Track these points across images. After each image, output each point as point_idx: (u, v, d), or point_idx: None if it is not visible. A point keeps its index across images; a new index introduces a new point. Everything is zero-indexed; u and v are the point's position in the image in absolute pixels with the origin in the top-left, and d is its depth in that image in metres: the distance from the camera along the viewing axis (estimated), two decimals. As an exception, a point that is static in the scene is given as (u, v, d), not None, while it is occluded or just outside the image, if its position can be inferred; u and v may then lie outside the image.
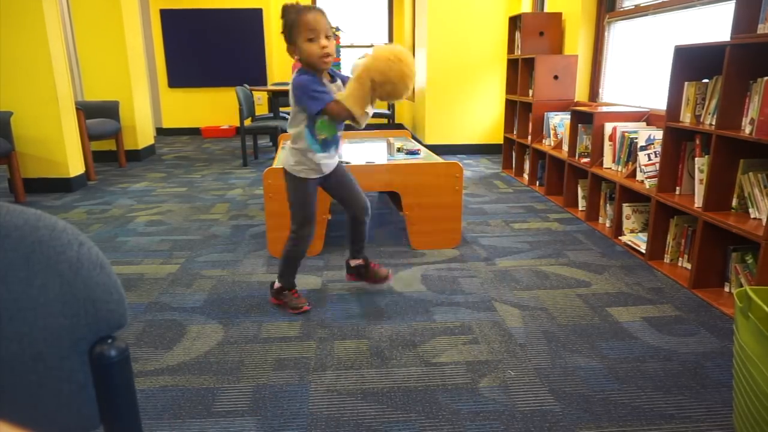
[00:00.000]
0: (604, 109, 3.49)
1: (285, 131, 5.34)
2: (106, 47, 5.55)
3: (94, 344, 0.65)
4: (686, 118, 2.51)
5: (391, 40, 8.32)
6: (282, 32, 1.90)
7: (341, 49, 5.98)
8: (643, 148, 2.85)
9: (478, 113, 5.99)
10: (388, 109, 6.73)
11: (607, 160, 3.27)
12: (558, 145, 4.04)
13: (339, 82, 2.00)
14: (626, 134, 3.10)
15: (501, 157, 5.33)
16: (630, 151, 3.07)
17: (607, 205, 3.27)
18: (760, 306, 1.22)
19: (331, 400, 1.60)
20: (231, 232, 3.23)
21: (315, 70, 1.92)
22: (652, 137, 2.82)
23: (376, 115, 6.93)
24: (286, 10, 1.84)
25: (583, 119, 3.53)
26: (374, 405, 1.57)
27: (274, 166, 2.76)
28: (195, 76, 7.87)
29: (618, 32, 4.02)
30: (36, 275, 0.60)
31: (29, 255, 0.60)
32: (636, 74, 3.72)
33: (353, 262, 2.35)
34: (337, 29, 5.82)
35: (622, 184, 2.94)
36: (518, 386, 1.66)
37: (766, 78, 2.03)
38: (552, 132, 4.17)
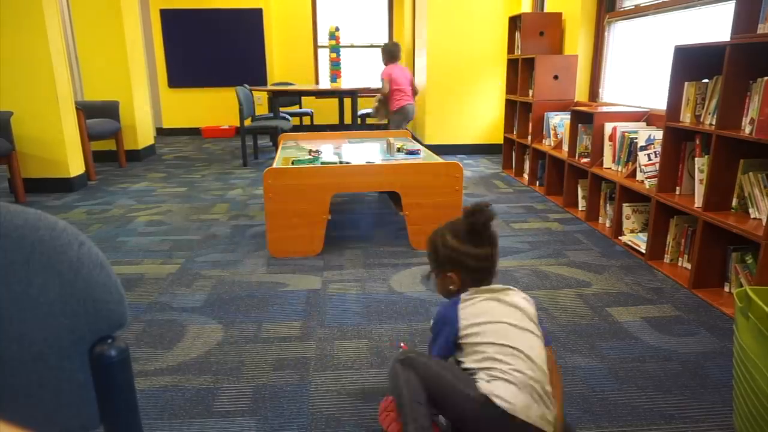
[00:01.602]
0: (604, 109, 3.49)
1: (285, 131, 5.34)
2: (106, 47, 5.55)
3: (94, 344, 0.65)
4: (686, 118, 2.51)
5: (391, 40, 8.32)
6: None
7: (341, 49, 5.97)
8: (643, 148, 2.85)
9: (478, 113, 5.99)
10: (388, 109, 6.72)
11: (607, 160, 3.27)
12: (558, 145, 4.04)
13: None
14: (626, 134, 3.10)
15: (501, 157, 5.33)
16: (630, 151, 3.07)
17: (607, 205, 3.27)
18: (760, 306, 1.22)
19: (331, 400, 1.60)
20: (231, 232, 3.23)
21: None
22: (652, 137, 2.82)
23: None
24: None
25: (583, 119, 3.53)
26: (374, 405, 1.57)
27: (274, 166, 2.76)
28: (195, 76, 7.86)
29: (618, 32, 4.02)
30: (36, 275, 0.60)
31: (29, 255, 0.60)
32: (636, 74, 3.72)
33: None
34: (337, 29, 5.81)
35: (622, 184, 2.94)
36: (518, 386, 1.66)
37: (766, 78, 2.03)
38: (552, 132, 4.17)
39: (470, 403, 1.23)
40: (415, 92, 4.92)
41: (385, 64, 4.90)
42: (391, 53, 4.88)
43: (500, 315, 1.34)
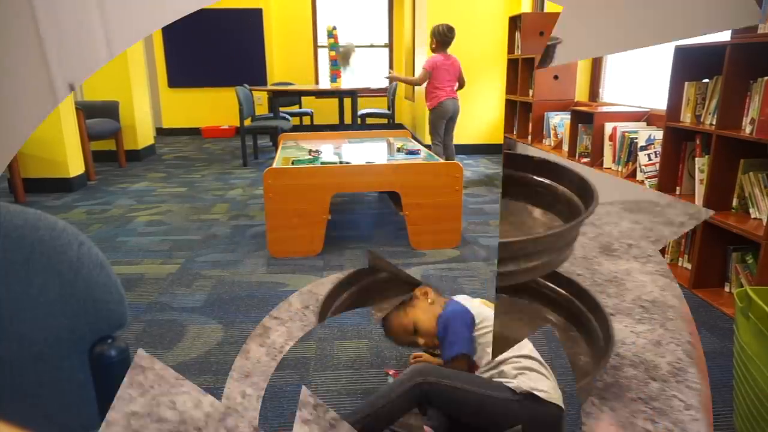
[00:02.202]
0: (604, 109, 3.49)
1: (285, 131, 5.34)
2: (106, 47, 5.54)
3: (94, 344, 0.65)
4: (686, 118, 2.51)
5: (391, 40, 8.32)
6: None
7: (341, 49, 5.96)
8: (643, 148, 2.85)
9: (478, 113, 5.99)
10: (388, 109, 6.73)
11: (607, 160, 3.27)
12: (558, 145, 4.04)
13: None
14: (626, 134, 3.10)
15: (501, 158, 5.33)
16: (630, 151, 3.07)
17: (607, 205, 3.26)
18: (760, 306, 1.22)
19: (331, 400, 1.60)
20: (231, 232, 3.23)
21: None
22: (652, 137, 2.82)
23: (376, 115, 6.93)
24: None
25: (583, 119, 3.54)
26: (374, 405, 1.57)
27: (274, 166, 2.76)
28: (195, 76, 7.86)
29: (618, 32, 4.01)
30: (36, 275, 0.60)
31: (29, 255, 0.60)
32: (636, 74, 3.72)
33: None
34: (334, 28, 5.81)
35: (622, 184, 2.94)
36: (518, 386, 1.65)
37: (766, 78, 2.03)
38: (552, 132, 4.17)
39: (512, 405, 1.26)
40: (461, 84, 4.17)
41: (433, 51, 4.13)
42: (442, 38, 4.03)
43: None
